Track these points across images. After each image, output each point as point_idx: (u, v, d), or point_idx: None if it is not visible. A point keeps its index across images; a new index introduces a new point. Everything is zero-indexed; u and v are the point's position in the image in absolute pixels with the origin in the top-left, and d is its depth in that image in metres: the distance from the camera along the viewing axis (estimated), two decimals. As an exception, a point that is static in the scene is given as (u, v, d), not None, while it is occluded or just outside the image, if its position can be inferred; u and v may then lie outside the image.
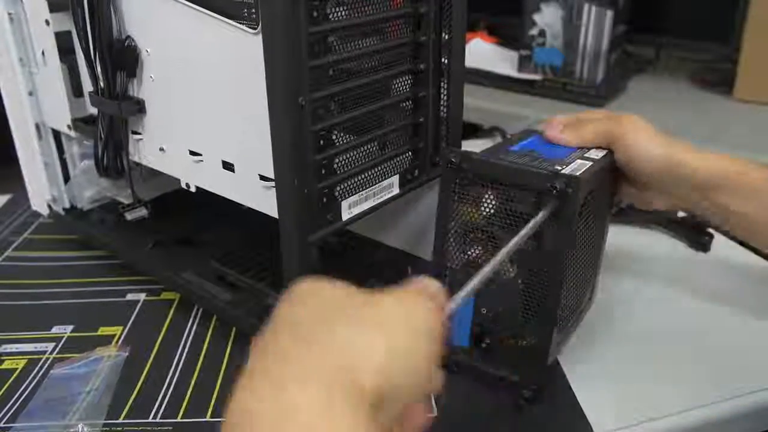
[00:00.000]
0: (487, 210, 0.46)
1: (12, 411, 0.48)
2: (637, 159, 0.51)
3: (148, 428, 0.47)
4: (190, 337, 0.57)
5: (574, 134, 0.52)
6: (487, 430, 0.46)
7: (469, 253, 0.47)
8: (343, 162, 0.46)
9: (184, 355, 0.54)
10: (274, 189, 0.44)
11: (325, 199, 0.45)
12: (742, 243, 0.70)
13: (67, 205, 0.69)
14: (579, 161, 0.48)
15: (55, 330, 0.58)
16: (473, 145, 0.98)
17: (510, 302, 0.46)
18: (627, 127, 0.51)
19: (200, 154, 0.51)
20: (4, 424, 0.47)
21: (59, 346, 0.56)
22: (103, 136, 0.56)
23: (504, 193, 0.45)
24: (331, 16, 0.42)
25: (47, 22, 0.57)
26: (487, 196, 0.46)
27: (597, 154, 0.51)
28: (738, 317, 0.58)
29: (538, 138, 0.54)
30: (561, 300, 0.46)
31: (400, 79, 0.49)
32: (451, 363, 0.51)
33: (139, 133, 0.56)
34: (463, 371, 0.50)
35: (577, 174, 0.44)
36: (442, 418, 0.47)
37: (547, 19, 1.20)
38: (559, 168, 0.45)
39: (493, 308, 0.47)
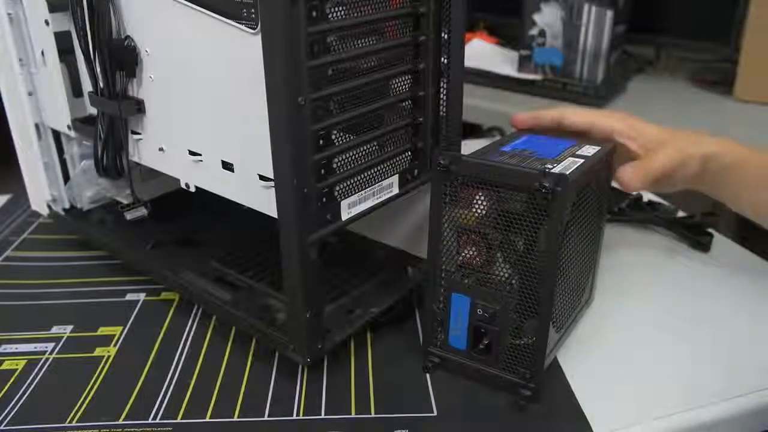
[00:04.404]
0: (479, 211, 0.46)
1: (12, 412, 0.48)
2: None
3: (148, 429, 0.47)
4: (190, 338, 0.57)
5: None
6: (487, 430, 0.46)
7: (463, 254, 0.47)
8: (342, 162, 0.46)
9: (184, 355, 0.54)
10: (273, 189, 0.44)
11: (324, 199, 0.45)
12: (742, 241, 0.70)
13: (67, 206, 0.69)
14: (570, 159, 0.48)
15: (55, 330, 0.58)
16: (473, 145, 0.98)
17: (506, 302, 0.46)
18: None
19: (200, 154, 0.51)
20: (4, 426, 0.47)
21: (59, 346, 0.56)
22: (102, 136, 0.56)
23: (494, 193, 0.45)
24: (330, 16, 0.42)
25: (47, 23, 0.57)
26: (477, 197, 0.46)
27: (589, 151, 0.51)
28: (737, 317, 0.58)
29: (530, 137, 0.54)
30: (556, 299, 0.46)
31: (400, 79, 0.49)
32: (450, 365, 0.51)
33: (139, 133, 0.56)
34: (462, 372, 0.50)
35: (567, 172, 0.44)
36: (442, 418, 0.47)
37: (547, 19, 1.20)
38: (550, 167, 0.45)
39: (489, 309, 0.47)
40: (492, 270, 0.47)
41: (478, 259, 0.47)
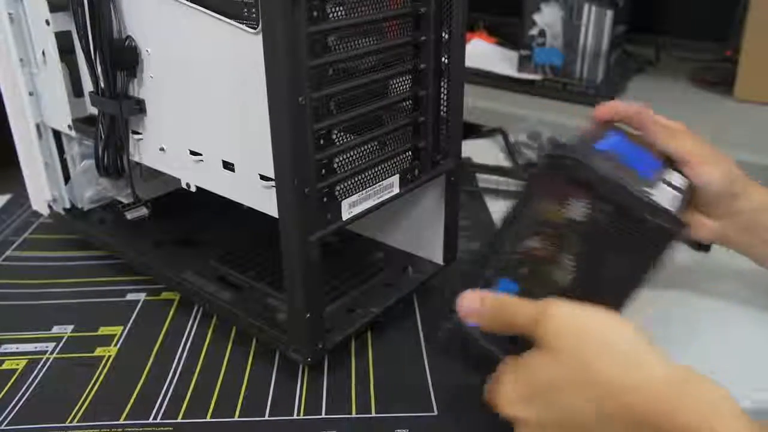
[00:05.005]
0: (573, 214, 0.44)
1: (13, 412, 0.48)
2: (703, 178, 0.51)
3: (149, 428, 0.47)
4: (190, 337, 0.57)
5: (665, 136, 0.52)
6: (487, 430, 0.46)
7: (527, 244, 0.45)
8: (343, 161, 0.46)
9: (184, 355, 0.54)
10: (274, 189, 0.44)
11: (325, 199, 0.45)
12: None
13: (68, 205, 0.69)
14: (666, 187, 0.46)
15: (56, 330, 0.58)
16: (473, 146, 0.98)
17: None
18: (701, 149, 0.52)
19: (200, 154, 0.51)
20: (5, 426, 0.47)
21: (59, 346, 0.56)
22: (103, 136, 0.56)
23: (600, 205, 0.43)
24: (330, 16, 0.42)
25: (47, 22, 0.57)
26: (578, 200, 0.43)
27: (679, 182, 0.48)
28: (738, 319, 0.58)
29: (619, 138, 0.51)
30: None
31: (400, 79, 0.49)
32: (462, 339, 0.48)
33: (140, 133, 0.56)
34: (470, 352, 0.48)
35: (679, 216, 0.43)
36: (442, 418, 0.47)
37: (547, 19, 1.20)
38: (649, 191, 0.43)
39: None
40: (552, 270, 0.45)
41: (543, 254, 0.45)
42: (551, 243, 0.45)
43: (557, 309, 0.38)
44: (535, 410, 0.37)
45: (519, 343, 0.44)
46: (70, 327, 0.58)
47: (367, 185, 0.48)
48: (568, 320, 0.38)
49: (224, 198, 0.50)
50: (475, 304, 0.42)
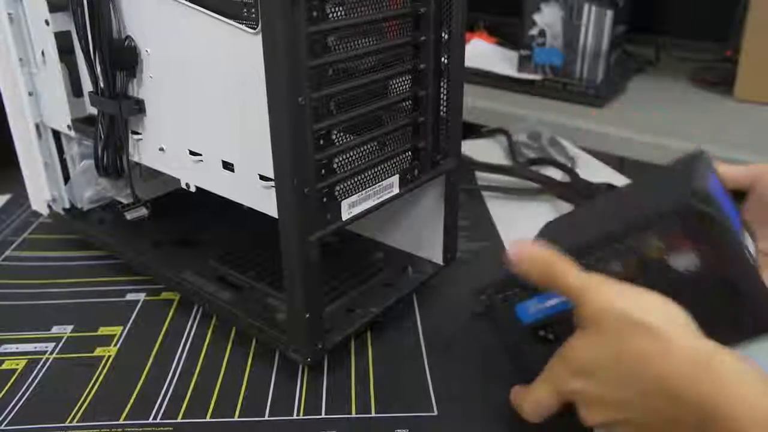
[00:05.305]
0: (675, 263, 0.41)
1: (13, 412, 0.48)
2: None
3: (148, 428, 0.47)
4: (190, 337, 0.57)
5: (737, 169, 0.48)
6: (487, 430, 0.46)
7: (611, 265, 0.43)
8: (342, 162, 0.46)
9: (184, 355, 0.54)
10: (273, 189, 0.44)
11: (324, 199, 0.45)
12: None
13: (67, 205, 0.69)
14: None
15: (55, 330, 0.58)
16: (473, 145, 0.98)
17: None
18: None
19: (200, 154, 0.51)
20: (4, 426, 0.47)
21: (59, 346, 0.56)
22: (102, 136, 0.56)
23: (713, 272, 0.40)
24: (330, 16, 0.42)
25: (47, 23, 0.57)
26: (689, 254, 0.41)
27: (749, 243, 0.45)
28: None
29: (715, 180, 0.46)
30: None
31: (400, 79, 0.49)
32: (491, 317, 0.47)
33: (139, 133, 0.56)
34: (495, 334, 0.47)
35: None
36: (442, 418, 0.47)
37: (547, 19, 1.20)
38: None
39: None
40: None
41: (615, 276, 0.42)
42: (629, 270, 0.43)
43: (606, 286, 0.40)
44: (591, 386, 0.39)
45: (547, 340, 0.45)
46: (70, 327, 0.58)
47: (367, 185, 0.48)
48: (614, 300, 0.39)
49: (224, 198, 0.50)
50: (531, 252, 0.42)
